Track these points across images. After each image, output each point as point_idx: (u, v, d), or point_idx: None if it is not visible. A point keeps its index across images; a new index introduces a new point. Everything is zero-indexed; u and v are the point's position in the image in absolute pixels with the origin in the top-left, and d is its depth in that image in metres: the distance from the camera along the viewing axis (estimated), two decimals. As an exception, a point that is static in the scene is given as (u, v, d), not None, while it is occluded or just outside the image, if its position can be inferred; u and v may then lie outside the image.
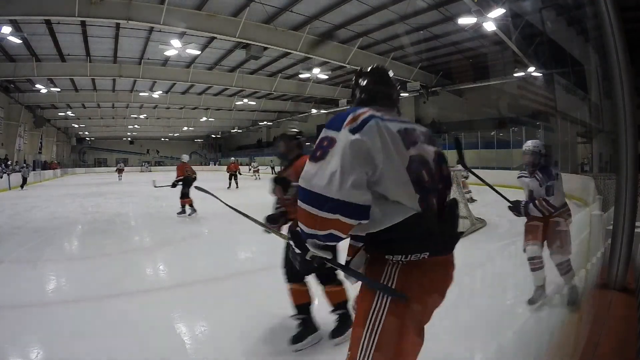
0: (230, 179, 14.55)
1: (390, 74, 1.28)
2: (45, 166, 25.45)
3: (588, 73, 11.48)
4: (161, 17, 9.28)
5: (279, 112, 28.11)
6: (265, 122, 31.50)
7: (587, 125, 12.94)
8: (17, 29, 10.26)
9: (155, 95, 19.84)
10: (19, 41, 10.64)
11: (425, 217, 0.98)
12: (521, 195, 2.61)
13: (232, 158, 16.30)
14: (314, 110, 24.10)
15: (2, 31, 9.39)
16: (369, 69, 1.29)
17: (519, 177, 2.68)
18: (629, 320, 1.10)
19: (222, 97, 22.69)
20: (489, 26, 9.00)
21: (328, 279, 2.10)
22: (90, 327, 2.32)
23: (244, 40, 10.91)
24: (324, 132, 0.97)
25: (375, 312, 0.98)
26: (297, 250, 0.99)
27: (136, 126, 32.41)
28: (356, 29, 11.80)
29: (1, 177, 14.17)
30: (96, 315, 2.51)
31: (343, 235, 0.94)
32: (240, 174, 15.03)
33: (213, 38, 11.70)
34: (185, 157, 7.91)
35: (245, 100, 21.99)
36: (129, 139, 41.33)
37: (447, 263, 1.07)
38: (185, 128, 34.07)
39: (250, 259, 4.33)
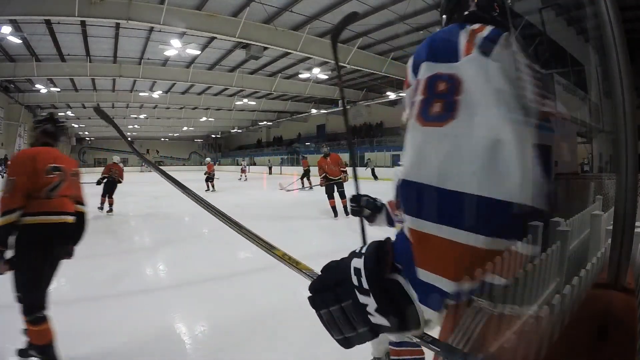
0: (207, 181, 12.81)
1: None
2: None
3: (588, 73, 11.49)
4: (161, 17, 9.29)
5: (279, 112, 28.12)
6: (265, 122, 31.51)
7: (587, 125, 12.96)
8: (17, 29, 10.27)
9: (155, 95, 19.85)
10: (19, 41, 10.65)
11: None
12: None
13: (208, 158, 14.59)
14: (313, 110, 24.12)
15: (2, 31, 9.40)
16: None
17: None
18: (629, 320, 1.10)
19: (222, 97, 22.70)
20: (489, 26, 9.01)
21: None
22: (90, 327, 2.31)
23: (244, 40, 10.92)
24: (428, 67, 0.48)
25: None
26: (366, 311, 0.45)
27: (136, 126, 32.43)
28: (356, 29, 11.80)
29: (2, 177, 14.16)
30: (96, 315, 2.51)
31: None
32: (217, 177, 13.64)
33: (213, 38, 11.71)
34: (116, 158, 8.29)
35: (245, 100, 22.01)
36: (129, 139, 41.23)
37: None
38: (185, 128, 34.08)
39: (250, 259, 4.32)
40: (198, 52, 13.36)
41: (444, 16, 0.73)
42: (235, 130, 35.57)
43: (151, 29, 11.44)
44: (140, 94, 19.75)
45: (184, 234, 5.56)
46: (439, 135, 0.42)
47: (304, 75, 15.74)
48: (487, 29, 0.50)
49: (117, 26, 11.11)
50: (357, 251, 0.48)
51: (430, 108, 0.45)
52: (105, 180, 7.45)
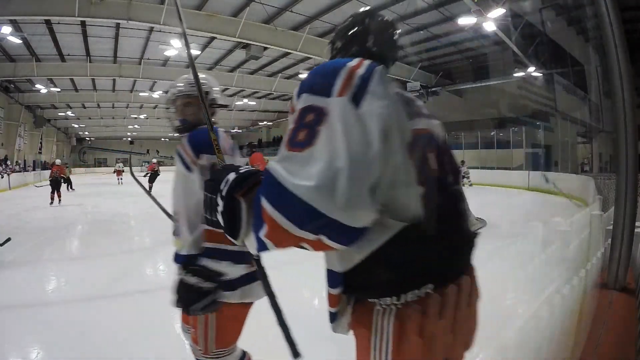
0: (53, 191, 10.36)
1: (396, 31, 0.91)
2: (45, 166, 25.46)
3: (588, 73, 11.49)
4: (161, 17, 9.28)
5: (279, 112, 28.12)
6: (265, 122, 31.51)
7: (587, 125, 12.95)
8: (17, 29, 10.27)
9: (155, 95, 19.84)
10: (19, 41, 10.65)
11: (427, 225, 0.61)
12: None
13: (58, 160, 12.77)
14: (314, 110, 24.12)
15: (2, 31, 9.39)
16: (363, 12, 0.91)
17: None
18: (629, 320, 1.10)
19: (221, 97, 22.67)
20: (489, 26, 9.01)
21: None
22: (90, 327, 2.31)
23: (244, 40, 10.91)
24: (305, 99, 0.59)
25: None
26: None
27: (136, 126, 32.43)
28: (356, 29, 11.79)
29: (2, 177, 14.16)
30: (96, 315, 2.51)
31: (311, 249, 0.59)
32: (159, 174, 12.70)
33: (213, 38, 11.70)
34: (58, 161, 11.04)
35: (245, 100, 22.00)
36: (129, 139, 41.34)
37: (464, 291, 0.68)
38: (185, 128, 34.02)
39: (250, 259, 4.34)
40: (198, 52, 13.36)
41: (333, 45, 0.89)
42: (235, 130, 35.58)
43: (151, 29, 11.43)
44: (141, 94, 19.74)
45: (184, 234, 5.56)
46: (298, 159, 0.53)
47: (304, 75, 15.72)
48: (364, 66, 0.59)
49: (117, 26, 11.10)
50: (240, 170, 0.66)
51: (297, 136, 0.55)
52: (51, 180, 9.65)
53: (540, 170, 12.24)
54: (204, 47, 13.29)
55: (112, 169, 22.20)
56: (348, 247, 0.57)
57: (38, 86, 15.83)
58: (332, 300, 0.78)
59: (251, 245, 0.61)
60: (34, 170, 20.89)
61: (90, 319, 2.45)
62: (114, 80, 16.91)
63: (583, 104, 12.83)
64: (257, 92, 20.84)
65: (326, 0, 10.03)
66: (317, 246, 0.57)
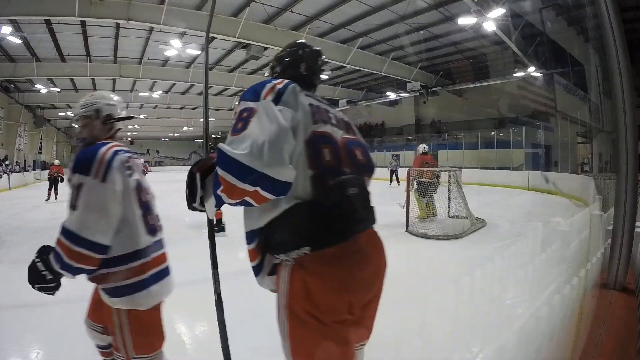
0: (50, 187, 10.48)
1: (322, 56, 1.20)
2: (45, 166, 25.47)
3: (588, 73, 11.49)
4: (161, 17, 9.28)
5: (279, 112, 28.11)
6: (265, 122, 31.48)
7: (587, 125, 12.95)
8: (17, 29, 10.26)
9: (155, 95, 19.84)
10: (19, 41, 10.65)
11: (316, 200, 0.86)
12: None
13: (57, 160, 12.45)
14: (314, 110, 24.11)
15: (2, 31, 9.39)
16: (290, 48, 1.17)
17: None
18: (629, 320, 1.10)
19: (222, 97, 22.69)
20: (489, 26, 9.01)
21: None
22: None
23: (244, 40, 10.91)
24: (242, 104, 0.88)
25: (281, 325, 0.94)
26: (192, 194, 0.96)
27: (136, 126, 32.41)
28: (356, 29, 11.80)
29: (1, 177, 14.16)
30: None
31: (255, 204, 0.84)
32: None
33: (213, 38, 11.70)
34: (56, 162, 11.72)
35: (245, 100, 21.99)
36: (129, 139, 41.35)
37: (351, 251, 0.89)
38: (185, 128, 34.06)
39: (250, 259, 4.33)
40: (198, 52, 13.35)
41: (273, 70, 1.17)
42: (235, 130, 35.58)
43: (151, 29, 11.43)
44: (140, 94, 19.73)
45: (183, 233, 5.55)
46: (237, 140, 0.82)
47: (304, 75, 15.74)
48: (283, 83, 0.92)
49: (117, 26, 11.10)
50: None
51: (236, 126, 0.85)
52: (49, 178, 10.64)
53: (540, 170, 12.24)
54: (204, 47, 13.29)
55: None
56: (278, 197, 0.83)
57: (38, 86, 15.83)
58: (251, 255, 1.02)
59: (209, 205, 0.95)
60: (34, 170, 20.88)
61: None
62: (114, 80, 16.89)
63: (583, 104, 12.83)
64: (257, 92, 20.82)
65: (326, 0, 10.03)
66: (257, 197, 0.82)
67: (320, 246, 0.87)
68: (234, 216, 7.32)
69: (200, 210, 0.98)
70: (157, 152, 43.93)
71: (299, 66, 1.11)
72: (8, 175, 14.66)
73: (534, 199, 9.81)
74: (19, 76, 14.33)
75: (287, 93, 0.89)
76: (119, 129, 1.48)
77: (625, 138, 1.30)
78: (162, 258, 1.38)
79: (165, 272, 1.37)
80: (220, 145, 0.80)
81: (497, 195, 10.64)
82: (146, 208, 1.31)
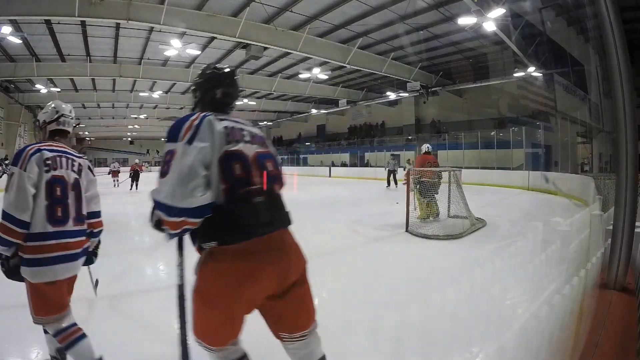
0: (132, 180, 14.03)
1: (235, 77, 1.39)
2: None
3: (588, 73, 11.49)
4: (161, 17, 9.28)
5: (279, 112, 28.11)
6: (265, 122, 31.48)
7: (587, 125, 12.95)
8: (17, 29, 10.26)
9: (155, 95, 19.83)
10: (19, 41, 10.64)
11: (223, 206, 1.07)
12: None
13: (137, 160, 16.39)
14: (314, 110, 24.11)
15: (2, 31, 9.38)
16: (209, 70, 1.35)
17: None
18: (629, 320, 1.10)
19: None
20: (489, 26, 9.00)
21: None
22: (89, 326, 2.31)
23: (244, 40, 10.91)
24: (166, 146, 1.09)
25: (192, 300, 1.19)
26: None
27: (136, 126, 32.41)
28: (356, 29, 11.80)
29: (0, 177, 14.16)
30: (96, 315, 2.51)
31: (193, 227, 1.09)
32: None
33: (213, 38, 11.70)
34: (137, 160, 12.77)
35: (245, 100, 21.99)
36: (129, 139, 41.34)
37: (254, 249, 1.09)
38: (185, 128, 34.01)
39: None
40: (198, 52, 13.35)
41: (194, 94, 1.34)
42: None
43: (151, 29, 11.43)
44: (140, 94, 19.74)
45: (184, 234, 5.56)
46: (162, 183, 1.05)
47: (304, 75, 15.73)
48: (199, 118, 1.10)
49: (117, 26, 11.10)
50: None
51: (162, 170, 1.06)
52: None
53: (540, 170, 12.23)
54: (204, 47, 13.29)
55: (107, 169, 18.87)
56: (199, 219, 1.06)
57: (38, 86, 15.83)
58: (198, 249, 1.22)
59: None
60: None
61: (90, 318, 2.45)
62: (114, 80, 16.90)
63: (583, 104, 12.83)
64: (257, 92, 20.83)
65: (326, 0, 10.03)
66: (189, 224, 1.06)
67: (224, 242, 1.08)
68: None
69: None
70: (157, 152, 43.88)
71: (214, 92, 1.27)
72: (8, 175, 14.65)
73: (534, 199, 9.81)
74: (19, 76, 14.33)
75: (202, 128, 1.08)
76: (56, 131, 1.70)
77: (625, 138, 1.30)
78: (66, 246, 1.53)
79: (65, 258, 1.54)
80: (151, 192, 1.08)
81: (497, 195, 10.63)
82: (56, 201, 1.51)
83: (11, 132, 19.51)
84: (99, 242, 1.87)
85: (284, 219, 1.23)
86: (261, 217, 1.12)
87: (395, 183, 13.02)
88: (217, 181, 1.07)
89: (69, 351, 1.57)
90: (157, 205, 1.07)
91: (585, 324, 1.16)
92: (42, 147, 1.55)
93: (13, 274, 1.53)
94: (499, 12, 8.45)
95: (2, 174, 14.29)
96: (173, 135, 1.08)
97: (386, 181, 13.62)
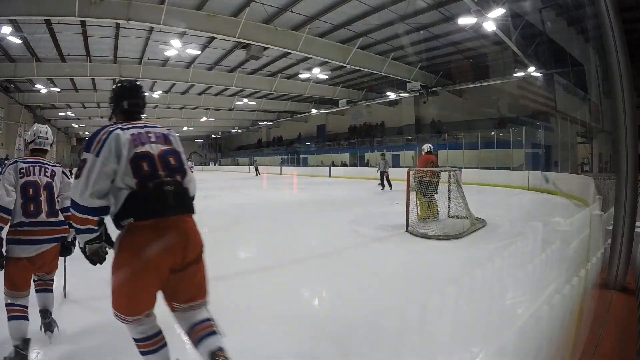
0: None
1: (139, 88, 1.66)
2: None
3: (588, 73, 11.49)
4: (161, 17, 9.28)
5: (279, 112, 28.12)
6: (265, 122, 31.49)
7: (587, 125, 12.95)
8: (17, 29, 10.26)
9: (155, 95, 19.83)
10: (19, 41, 10.65)
11: (137, 193, 1.35)
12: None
13: None
14: (314, 110, 24.11)
15: (2, 31, 9.39)
16: (119, 84, 1.65)
17: None
18: (629, 320, 1.10)
19: (222, 97, 22.71)
20: (489, 26, 9.00)
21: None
22: (90, 326, 2.31)
23: (244, 40, 10.91)
24: (82, 154, 1.38)
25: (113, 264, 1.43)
26: (80, 246, 1.48)
27: (136, 126, 32.38)
28: (356, 29, 11.80)
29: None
30: (96, 315, 2.51)
31: (94, 227, 1.40)
32: None
33: (213, 38, 11.70)
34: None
35: (245, 100, 22.01)
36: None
37: (162, 225, 1.38)
38: (186, 128, 34.04)
39: (250, 259, 4.33)
40: (198, 52, 13.36)
41: (110, 105, 1.65)
42: (235, 130, 35.57)
43: (151, 29, 11.44)
44: (140, 94, 19.73)
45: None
46: (75, 184, 1.37)
47: (304, 75, 15.73)
48: (107, 133, 1.38)
49: (117, 26, 11.11)
50: None
51: (77, 173, 1.37)
52: None
53: (540, 170, 12.23)
54: (204, 47, 13.29)
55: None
56: (96, 217, 1.39)
57: (38, 86, 15.84)
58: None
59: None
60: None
61: (90, 318, 2.45)
62: (114, 80, 16.88)
63: (583, 104, 12.82)
64: (257, 92, 20.84)
65: (326, 0, 10.03)
66: (91, 222, 1.39)
67: (139, 219, 1.35)
68: (237, 220, 7.31)
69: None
70: (157, 152, 43.89)
71: (122, 104, 1.56)
72: (8, 175, 14.66)
73: (534, 199, 9.81)
74: (19, 76, 14.34)
75: (107, 142, 1.36)
76: (35, 150, 2.20)
77: (625, 138, 1.30)
78: (32, 233, 1.95)
79: (29, 242, 1.94)
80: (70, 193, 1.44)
81: (497, 195, 10.63)
82: (29, 199, 1.97)
83: (11, 132, 19.51)
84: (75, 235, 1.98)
85: (188, 207, 1.49)
86: (169, 202, 1.38)
87: (389, 184, 12.14)
88: (130, 176, 1.35)
89: (9, 323, 1.86)
90: (71, 201, 1.38)
91: (585, 324, 1.16)
92: (18, 160, 2.07)
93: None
94: (499, 12, 8.45)
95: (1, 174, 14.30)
96: (87, 146, 1.37)
97: (380, 183, 12.61)
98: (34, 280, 2.13)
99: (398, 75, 15.59)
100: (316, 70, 14.82)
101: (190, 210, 1.49)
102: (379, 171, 12.75)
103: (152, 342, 1.51)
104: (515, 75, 13.36)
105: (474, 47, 13.36)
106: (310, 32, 11.61)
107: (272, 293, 2.96)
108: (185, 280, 1.44)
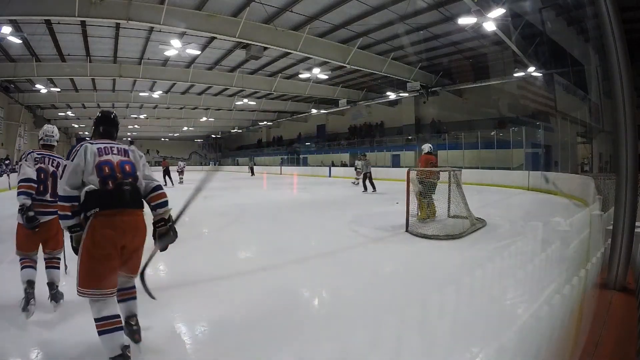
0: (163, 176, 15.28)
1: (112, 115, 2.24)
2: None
3: (588, 73, 11.49)
4: (161, 17, 9.28)
5: (279, 112, 28.11)
6: (265, 122, 31.48)
7: (587, 125, 12.94)
8: (17, 29, 10.26)
9: (155, 95, 19.84)
10: (19, 41, 10.64)
11: (99, 190, 1.83)
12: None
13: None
14: (314, 110, 24.11)
15: (2, 31, 9.38)
16: (99, 114, 2.21)
17: None
18: (629, 320, 1.10)
19: (222, 97, 22.71)
20: (489, 26, 9.00)
21: None
22: (90, 327, 2.31)
23: (244, 40, 10.91)
24: (65, 162, 1.92)
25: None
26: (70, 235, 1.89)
27: (136, 126, 32.41)
28: (356, 29, 11.80)
29: (0, 177, 14.15)
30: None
31: (69, 214, 1.82)
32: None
33: (213, 38, 11.70)
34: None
35: (245, 100, 22.00)
36: (129, 139, 41.34)
37: (119, 214, 1.85)
38: (185, 128, 34.06)
39: (251, 259, 4.33)
40: (198, 52, 13.35)
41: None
42: (235, 130, 35.56)
43: (151, 29, 11.44)
44: (140, 94, 19.74)
45: (183, 234, 5.54)
46: (60, 182, 1.89)
47: (304, 75, 15.73)
48: (81, 146, 1.93)
49: (117, 26, 11.10)
50: None
51: (60, 174, 1.93)
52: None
53: (540, 170, 12.22)
54: (204, 47, 13.29)
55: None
56: (68, 203, 1.82)
57: (38, 86, 15.83)
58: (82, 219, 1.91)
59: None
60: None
61: (90, 319, 2.45)
62: (114, 80, 16.90)
63: (583, 104, 12.82)
64: (257, 92, 20.84)
65: (326, 0, 10.03)
66: (66, 208, 1.82)
67: (103, 208, 1.81)
68: (237, 220, 7.29)
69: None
70: (157, 152, 43.91)
71: (99, 128, 2.13)
72: (8, 175, 14.64)
73: (534, 199, 9.81)
74: (19, 76, 14.33)
75: (78, 153, 1.86)
76: (44, 145, 2.82)
77: (625, 138, 1.30)
78: (39, 207, 2.58)
79: (39, 213, 2.55)
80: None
81: (497, 195, 10.63)
82: (40, 182, 2.59)
83: (11, 132, 19.51)
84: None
85: (139, 203, 1.97)
86: (126, 198, 1.87)
87: (373, 186, 11.48)
88: (95, 176, 1.85)
89: (21, 272, 2.56)
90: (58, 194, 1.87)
91: (585, 324, 1.16)
92: (34, 151, 2.71)
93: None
94: (499, 12, 8.45)
95: (2, 174, 14.29)
96: (68, 156, 1.92)
97: (355, 182, 11.70)
98: (44, 259, 2.70)
99: (398, 75, 15.58)
100: (316, 70, 14.81)
101: (141, 206, 1.98)
102: (361, 172, 12.16)
103: (109, 322, 1.79)
104: (515, 75, 13.35)
105: (474, 47, 13.35)
106: (310, 32, 11.60)
107: (272, 293, 2.96)
108: (130, 258, 1.96)
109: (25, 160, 2.62)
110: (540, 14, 9.95)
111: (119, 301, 2.00)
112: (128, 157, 2.02)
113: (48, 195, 2.61)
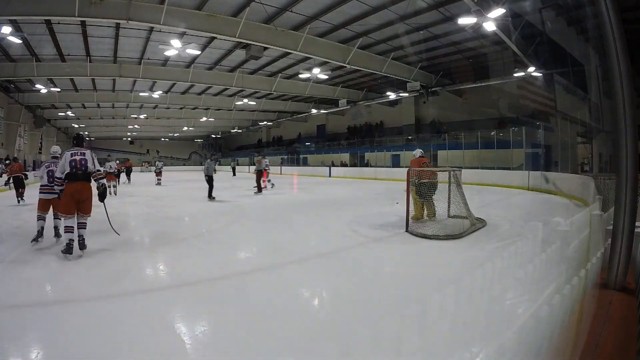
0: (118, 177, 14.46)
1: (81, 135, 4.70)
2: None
3: (588, 73, 11.48)
4: (161, 17, 9.29)
5: (279, 112, 28.12)
6: (265, 122, 31.49)
7: (587, 125, 12.94)
8: (17, 29, 10.26)
9: (155, 95, 19.84)
10: (19, 41, 10.64)
11: (70, 173, 4.15)
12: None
13: (117, 161, 16.55)
14: (314, 110, 24.11)
15: (2, 31, 9.38)
16: (75, 134, 4.76)
17: None
18: (629, 320, 1.10)
19: (222, 97, 22.71)
20: (489, 26, 9.00)
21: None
22: (90, 327, 2.32)
23: (244, 40, 10.91)
24: (58, 162, 4.49)
25: None
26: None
27: (136, 126, 32.42)
28: (356, 29, 11.80)
29: (0, 177, 14.14)
30: (96, 315, 2.51)
31: (60, 185, 4.23)
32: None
33: (213, 38, 11.71)
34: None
35: (245, 100, 22.00)
36: (129, 139, 41.34)
37: (77, 185, 4.14)
38: (185, 128, 34.07)
39: (251, 259, 4.33)
40: (198, 52, 13.35)
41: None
42: (235, 130, 35.56)
43: (151, 29, 11.44)
44: (140, 94, 19.74)
45: (184, 234, 5.55)
46: (56, 170, 4.62)
47: (304, 75, 15.72)
48: (64, 152, 4.45)
49: (117, 26, 11.11)
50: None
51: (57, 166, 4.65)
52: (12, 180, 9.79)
53: (540, 170, 12.22)
54: (204, 47, 13.29)
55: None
56: (61, 180, 4.29)
57: (38, 86, 15.82)
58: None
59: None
60: (33, 170, 20.87)
61: (91, 319, 2.45)
62: (114, 80, 16.91)
63: (583, 104, 12.82)
64: (257, 92, 20.84)
65: (326, 0, 10.03)
66: (61, 182, 4.29)
67: (70, 181, 4.15)
68: (237, 220, 7.29)
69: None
70: (157, 152, 43.92)
71: (74, 141, 4.51)
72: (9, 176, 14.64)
73: (534, 199, 9.81)
74: (19, 76, 14.34)
75: (64, 155, 4.25)
76: (53, 157, 5.01)
77: (625, 138, 1.30)
78: (51, 189, 4.59)
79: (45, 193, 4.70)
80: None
81: (497, 195, 10.64)
82: (49, 176, 4.73)
83: (11, 132, 19.51)
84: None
85: (88, 178, 4.21)
86: (79, 176, 4.15)
87: (259, 188, 11.51)
88: (68, 167, 4.12)
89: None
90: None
91: (585, 324, 1.16)
92: (48, 162, 4.92)
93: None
94: (499, 12, 8.45)
95: (2, 174, 14.28)
96: (59, 158, 4.40)
97: (256, 185, 11.52)
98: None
99: (398, 75, 15.59)
100: (316, 70, 14.81)
101: (89, 180, 4.22)
102: (266, 170, 12.07)
103: (68, 228, 4.05)
104: (515, 75, 13.36)
105: (474, 47, 13.35)
106: (310, 32, 11.61)
107: (272, 293, 2.96)
108: (82, 204, 4.18)
109: (56, 166, 4.51)
110: (540, 14, 9.95)
111: (77, 228, 4.11)
112: (85, 156, 4.23)
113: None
